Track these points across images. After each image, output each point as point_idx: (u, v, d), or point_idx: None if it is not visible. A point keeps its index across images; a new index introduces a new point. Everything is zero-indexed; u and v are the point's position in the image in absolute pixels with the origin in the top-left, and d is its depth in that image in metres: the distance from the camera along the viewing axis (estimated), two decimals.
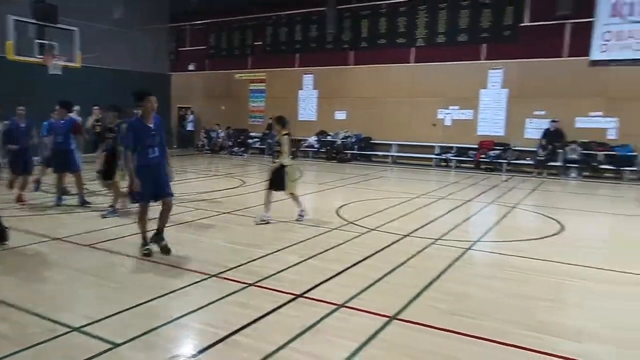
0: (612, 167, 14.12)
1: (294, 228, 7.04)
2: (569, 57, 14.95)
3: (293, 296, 4.25)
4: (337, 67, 18.78)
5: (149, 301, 4.07)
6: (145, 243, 5.41)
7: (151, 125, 5.27)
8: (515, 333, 3.67)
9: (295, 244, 6.05)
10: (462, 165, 16.36)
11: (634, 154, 13.86)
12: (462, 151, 16.38)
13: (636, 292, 4.76)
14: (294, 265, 5.17)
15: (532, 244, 6.55)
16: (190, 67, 22.24)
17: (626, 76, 14.11)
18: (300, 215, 7.36)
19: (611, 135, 14.44)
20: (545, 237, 6.89)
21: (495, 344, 3.49)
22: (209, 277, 4.70)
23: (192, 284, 4.51)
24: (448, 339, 3.57)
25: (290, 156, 7.42)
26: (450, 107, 16.77)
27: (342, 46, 18.72)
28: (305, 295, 4.30)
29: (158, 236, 5.47)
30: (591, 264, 5.61)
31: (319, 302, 4.14)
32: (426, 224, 7.37)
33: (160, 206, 5.47)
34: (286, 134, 7.28)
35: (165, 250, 5.40)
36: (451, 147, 16.58)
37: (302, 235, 6.55)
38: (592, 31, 14.52)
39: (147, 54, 19.75)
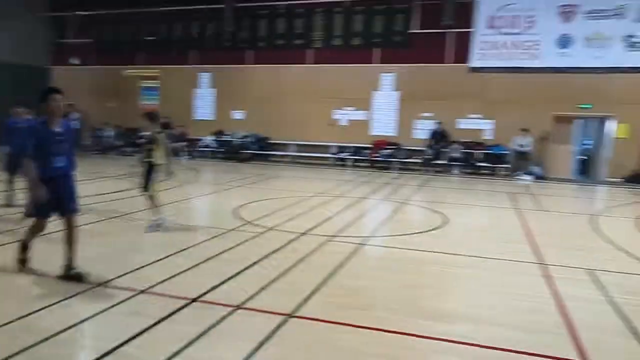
0: (487, 165, 15.56)
1: (188, 231, 6.82)
2: (452, 63, 16.18)
3: (187, 301, 4.11)
4: (235, 66, 18.53)
5: (24, 316, 3.70)
6: (22, 257, 4.76)
7: (58, 130, 4.52)
8: (399, 320, 3.92)
9: (189, 247, 5.86)
10: (358, 164, 16.99)
11: (506, 152, 15.38)
12: (357, 150, 17.00)
13: (506, 276, 5.27)
14: (188, 269, 5.00)
15: (420, 236, 6.99)
16: (74, 61, 20.53)
17: (500, 82, 15.61)
18: (153, 226, 6.56)
19: (486, 136, 15.91)
20: (432, 229, 7.39)
21: (380, 331, 3.70)
22: (94, 287, 4.38)
23: (74, 295, 4.17)
24: (340, 331, 3.70)
25: (166, 155, 6.78)
26: (346, 108, 17.34)
27: (240, 45, 18.50)
28: (200, 299, 4.18)
29: (68, 267, 4.59)
30: (471, 252, 6.12)
31: (215, 305, 4.05)
32: (323, 222, 7.54)
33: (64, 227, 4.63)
34: (161, 131, 6.78)
35: (79, 277, 4.49)
36: (347, 147, 17.14)
37: (197, 237, 6.37)
38: (471, 41, 15.88)
39: (21, 43, 17.92)
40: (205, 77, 19.05)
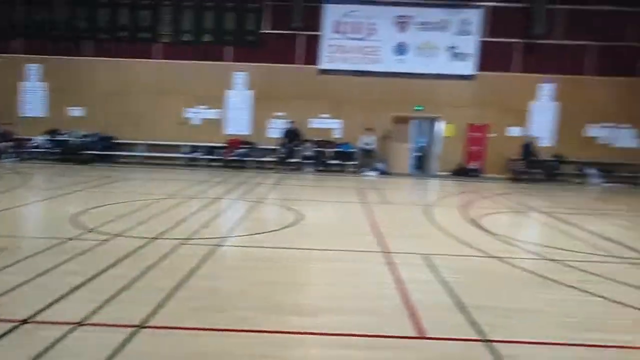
0: (338, 162, 16.45)
1: (17, 242, 6.00)
2: (303, 64, 16.71)
3: (15, 324, 3.61)
4: (71, 58, 16.79)
5: None
6: None
7: None
8: (256, 318, 3.93)
9: (18, 261, 5.16)
10: (212, 164, 16.64)
11: (353, 150, 16.42)
12: (210, 150, 16.64)
13: (356, 266, 5.63)
14: (17, 286, 4.40)
15: (276, 234, 7.10)
16: None
17: (346, 84, 16.59)
18: None
19: (336, 135, 16.81)
20: (287, 227, 7.56)
21: (244, 332, 3.67)
22: None
23: None
24: (202, 336, 3.59)
25: None
26: (198, 106, 16.86)
27: (76, 34, 16.81)
28: (32, 320, 3.71)
29: None
30: (324, 246, 6.41)
31: (51, 325, 3.63)
32: (175, 225, 7.23)
33: None
34: None
35: None
36: (200, 146, 16.68)
37: (29, 249, 5.64)
38: (320, 43, 16.59)
39: None
40: (33, 69, 16.94)
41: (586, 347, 3.68)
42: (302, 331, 3.74)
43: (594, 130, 16.63)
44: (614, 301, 4.68)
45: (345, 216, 9.22)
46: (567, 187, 15.13)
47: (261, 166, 16.41)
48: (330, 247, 6.39)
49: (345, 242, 6.71)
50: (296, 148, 16.23)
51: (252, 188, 11.90)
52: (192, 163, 16.68)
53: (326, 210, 9.76)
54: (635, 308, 4.52)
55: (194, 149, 16.71)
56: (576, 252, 6.59)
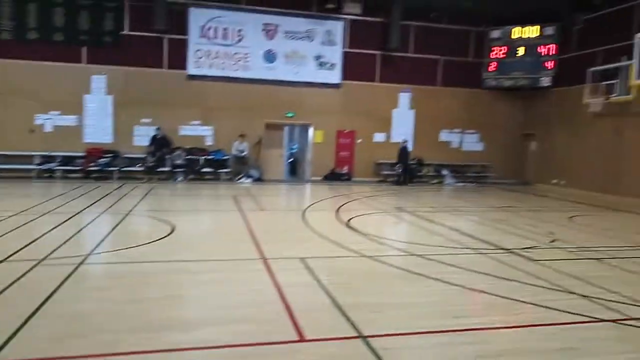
0: (210, 170, 16.06)
1: None
2: (169, 69, 16.02)
3: None
4: None
5: None
6: None
7: None
8: (130, 339, 3.66)
9: None
10: (70, 175, 15.15)
11: (226, 157, 16.17)
12: (68, 160, 15.15)
13: (234, 275, 5.54)
14: None
15: (146, 248, 6.69)
16: None
17: (217, 90, 16.29)
18: None
19: (209, 142, 16.41)
20: (159, 239, 7.17)
21: (114, 356, 3.39)
22: None
23: None
24: None
25: None
26: (51, 112, 15.24)
27: None
28: None
29: None
30: (199, 257, 6.20)
31: None
32: (29, 244, 6.44)
33: None
34: None
35: None
36: (55, 156, 15.09)
37: None
38: (187, 48, 16.07)
39: None
40: None
41: (450, 333, 4.06)
42: (179, 347, 3.57)
43: (446, 135, 18.48)
44: (470, 288, 5.24)
45: (221, 225, 9.04)
46: (427, 188, 16.58)
47: (128, 176, 15.35)
48: (205, 258, 6.21)
49: (222, 251, 6.58)
50: (165, 156, 15.50)
51: (118, 200, 11.08)
52: (47, 175, 15.00)
53: (200, 220, 9.48)
54: (487, 293, 5.10)
55: (49, 159, 15.04)
56: (437, 246, 7.24)
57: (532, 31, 17.47)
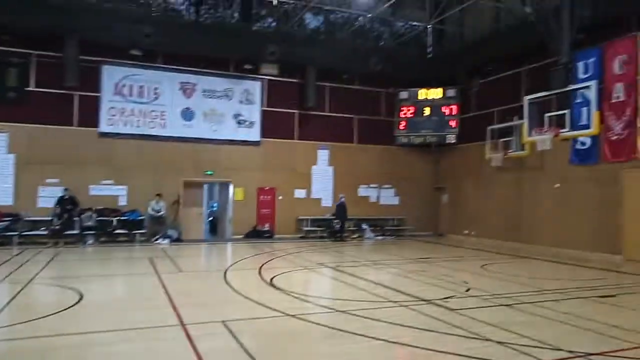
0: (124, 231, 15.21)
1: None
2: (79, 126, 15.32)
3: None
4: None
5: None
6: None
7: None
8: None
9: None
10: None
11: (142, 217, 15.45)
12: None
13: (150, 344, 5.17)
14: None
15: (50, 320, 6.07)
16: None
17: (132, 148, 15.77)
18: None
19: (122, 202, 15.63)
20: (64, 309, 6.56)
21: None
22: None
23: None
24: None
25: None
26: None
27: None
28: None
29: None
30: (112, 327, 5.74)
31: None
32: None
33: None
34: None
35: None
36: None
37: None
38: (100, 105, 15.54)
39: None
40: None
41: None
42: None
43: (365, 190, 19.09)
44: (394, 342, 5.28)
45: (135, 290, 8.50)
46: (348, 242, 16.82)
47: (31, 241, 14.08)
48: (118, 327, 5.75)
49: (137, 319, 6.14)
50: (73, 218, 14.49)
51: (18, 268, 10.08)
52: None
53: (112, 286, 8.85)
54: (410, 346, 5.17)
55: None
56: (360, 301, 7.28)
57: (436, 93, 18.95)
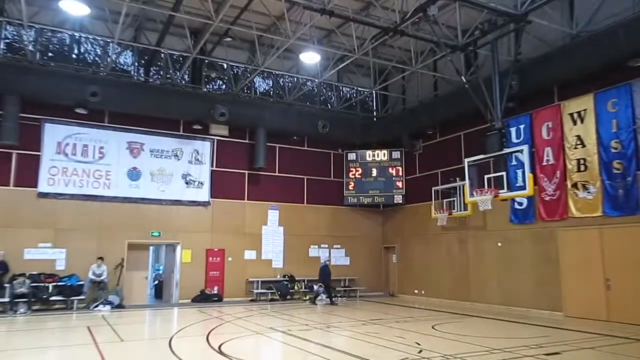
0: (62, 298, 14.25)
1: None
2: (16, 186, 14.61)
3: None
4: None
5: None
6: None
7: None
8: None
9: None
10: None
11: (81, 282, 14.58)
12: None
13: None
14: None
15: None
16: None
17: (73, 209, 15.12)
18: None
19: (60, 266, 14.75)
20: None
21: None
22: None
23: None
24: None
25: None
26: None
27: None
28: None
29: None
30: None
31: None
32: None
33: None
34: None
35: None
36: None
37: None
38: (40, 164, 14.94)
39: None
40: None
41: None
42: None
43: (315, 251, 19.03)
44: None
45: None
46: (299, 305, 16.50)
47: None
48: None
49: None
50: (4, 285, 13.46)
51: None
52: None
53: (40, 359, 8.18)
54: None
55: None
56: None
57: (382, 155, 19.66)
